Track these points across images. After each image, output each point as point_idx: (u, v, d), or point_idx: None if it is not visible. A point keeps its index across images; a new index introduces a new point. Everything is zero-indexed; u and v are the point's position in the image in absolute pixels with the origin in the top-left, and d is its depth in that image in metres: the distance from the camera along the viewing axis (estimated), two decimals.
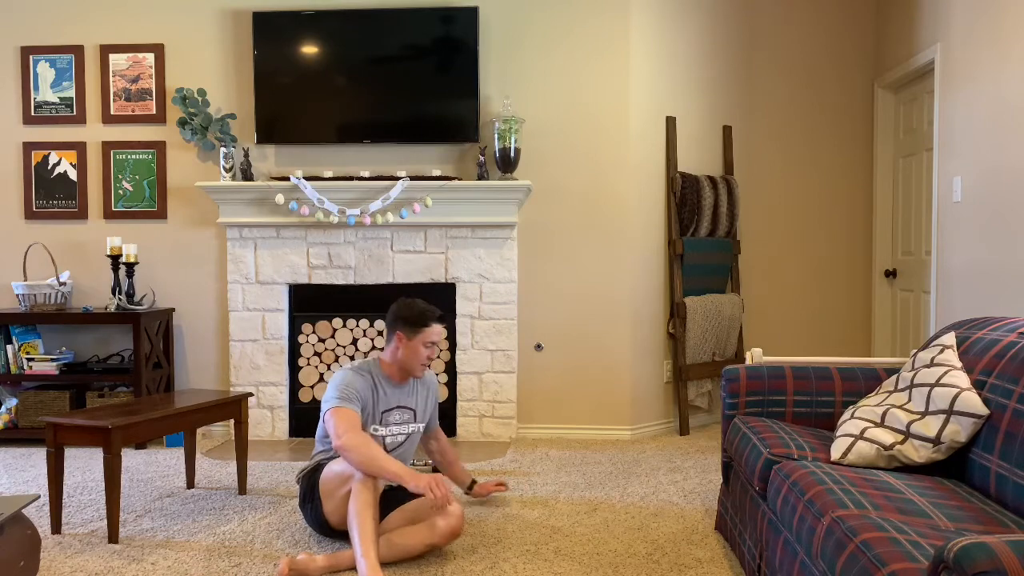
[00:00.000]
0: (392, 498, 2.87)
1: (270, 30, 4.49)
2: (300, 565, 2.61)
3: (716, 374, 4.84)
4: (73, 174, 4.73)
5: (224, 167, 4.48)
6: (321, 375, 4.60)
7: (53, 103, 4.73)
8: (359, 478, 2.61)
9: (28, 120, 4.74)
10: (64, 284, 4.56)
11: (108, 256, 4.48)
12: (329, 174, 4.46)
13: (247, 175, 4.51)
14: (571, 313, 4.56)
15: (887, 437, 2.27)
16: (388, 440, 2.97)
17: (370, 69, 4.47)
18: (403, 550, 2.71)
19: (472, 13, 4.42)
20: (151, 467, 4.00)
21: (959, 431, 2.18)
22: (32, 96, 4.74)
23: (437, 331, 2.97)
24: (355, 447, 2.61)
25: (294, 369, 4.61)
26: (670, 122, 4.69)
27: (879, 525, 1.70)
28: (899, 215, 4.97)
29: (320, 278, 4.55)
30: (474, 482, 3.36)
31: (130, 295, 4.53)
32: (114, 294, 4.48)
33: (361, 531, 2.53)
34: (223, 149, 4.48)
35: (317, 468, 2.88)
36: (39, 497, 2.72)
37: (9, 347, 4.51)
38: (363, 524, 2.54)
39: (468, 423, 4.52)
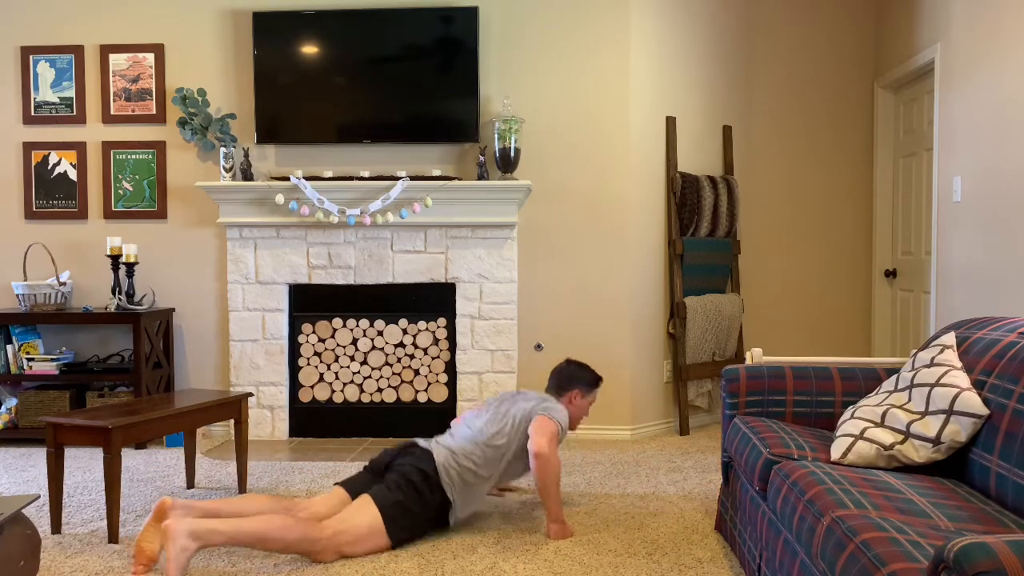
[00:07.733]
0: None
1: (270, 30, 4.49)
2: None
3: (716, 374, 4.84)
4: (73, 174, 4.73)
5: (224, 167, 4.48)
6: (321, 375, 4.60)
7: (53, 103, 4.73)
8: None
9: (28, 120, 4.74)
10: (64, 284, 4.56)
11: (108, 256, 4.48)
12: (329, 174, 4.46)
13: (247, 175, 4.51)
14: (571, 313, 4.56)
15: (887, 437, 2.27)
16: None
17: (370, 69, 4.47)
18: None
19: (472, 13, 4.42)
20: (151, 467, 4.00)
21: (959, 431, 2.18)
22: (32, 96, 4.74)
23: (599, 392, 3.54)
24: (555, 462, 2.94)
25: (294, 369, 4.61)
26: (670, 122, 4.69)
27: (879, 525, 1.70)
28: (899, 215, 4.97)
29: (320, 278, 4.55)
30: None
31: (130, 295, 4.53)
32: (114, 294, 4.48)
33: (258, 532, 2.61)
34: (223, 149, 4.48)
35: (453, 468, 2.96)
36: (39, 497, 2.72)
37: (9, 347, 4.51)
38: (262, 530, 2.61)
39: None
